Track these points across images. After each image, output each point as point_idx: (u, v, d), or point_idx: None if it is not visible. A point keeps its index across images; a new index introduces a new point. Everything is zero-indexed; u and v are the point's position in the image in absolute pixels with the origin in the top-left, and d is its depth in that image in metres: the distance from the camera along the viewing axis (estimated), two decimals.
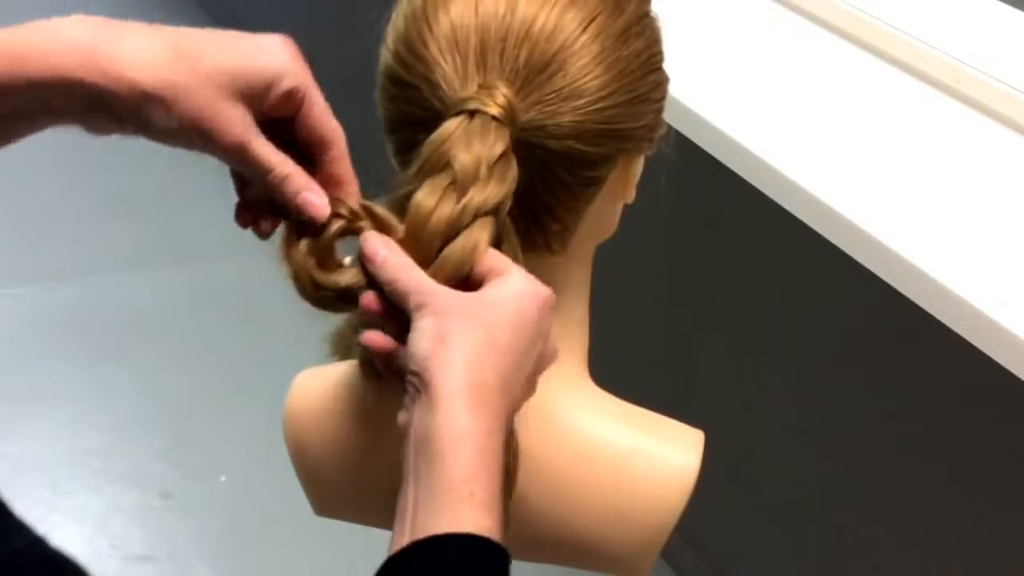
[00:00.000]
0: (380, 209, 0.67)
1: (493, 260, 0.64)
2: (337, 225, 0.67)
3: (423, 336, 0.60)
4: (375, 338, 0.63)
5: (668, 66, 0.73)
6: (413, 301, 0.61)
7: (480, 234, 0.64)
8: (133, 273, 2.56)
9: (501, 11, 0.66)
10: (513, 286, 0.62)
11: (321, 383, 0.81)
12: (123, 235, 2.67)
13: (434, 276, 0.63)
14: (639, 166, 0.74)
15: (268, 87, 0.64)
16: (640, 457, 0.76)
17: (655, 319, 1.89)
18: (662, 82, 0.72)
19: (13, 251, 2.59)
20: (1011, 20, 1.49)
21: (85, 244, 2.64)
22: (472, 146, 0.64)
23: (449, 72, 0.66)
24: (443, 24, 0.67)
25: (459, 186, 0.64)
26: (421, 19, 0.68)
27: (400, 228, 0.65)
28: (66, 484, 2.06)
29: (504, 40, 0.66)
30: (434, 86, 0.67)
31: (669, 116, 0.74)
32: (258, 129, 0.65)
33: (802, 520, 1.69)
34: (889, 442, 1.50)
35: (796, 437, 1.67)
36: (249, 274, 2.56)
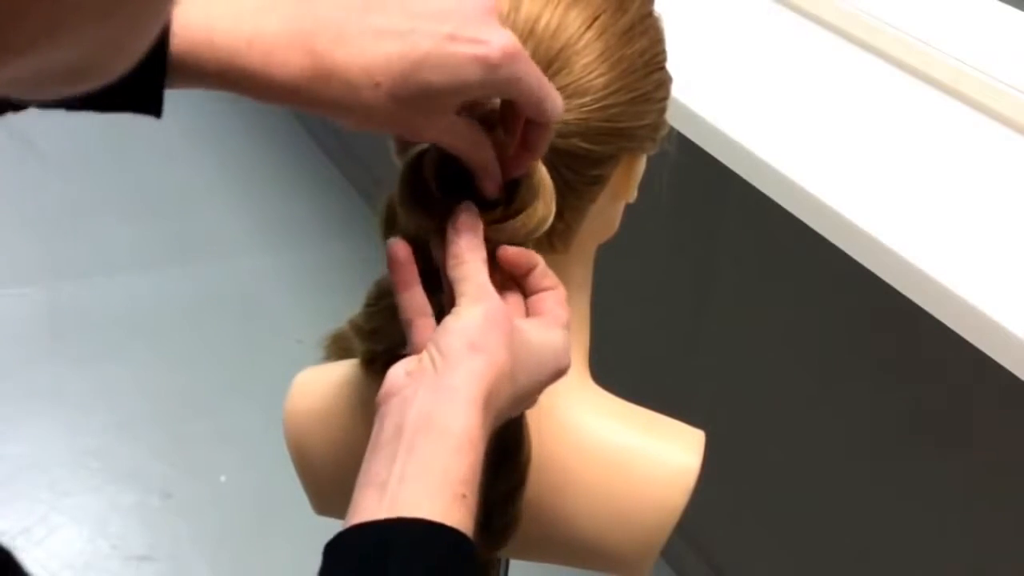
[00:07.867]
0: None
1: (553, 286, 0.66)
2: None
3: (460, 333, 0.60)
4: (401, 249, 0.64)
5: (670, 66, 0.73)
6: (466, 291, 0.62)
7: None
8: (133, 273, 2.56)
9: (505, 9, 0.66)
10: (557, 342, 0.64)
11: (321, 383, 0.81)
12: (123, 235, 2.66)
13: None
14: (642, 165, 0.74)
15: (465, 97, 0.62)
16: (641, 457, 0.76)
17: (656, 319, 1.89)
18: (665, 81, 0.72)
19: (13, 251, 2.59)
20: (1011, 20, 1.49)
21: (85, 244, 2.64)
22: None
23: None
24: None
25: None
26: None
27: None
28: (66, 484, 2.06)
29: None
30: None
31: (670, 116, 0.74)
32: (453, 118, 0.62)
33: (803, 520, 1.69)
34: (890, 442, 1.50)
35: (797, 437, 1.67)
36: (249, 274, 2.57)
